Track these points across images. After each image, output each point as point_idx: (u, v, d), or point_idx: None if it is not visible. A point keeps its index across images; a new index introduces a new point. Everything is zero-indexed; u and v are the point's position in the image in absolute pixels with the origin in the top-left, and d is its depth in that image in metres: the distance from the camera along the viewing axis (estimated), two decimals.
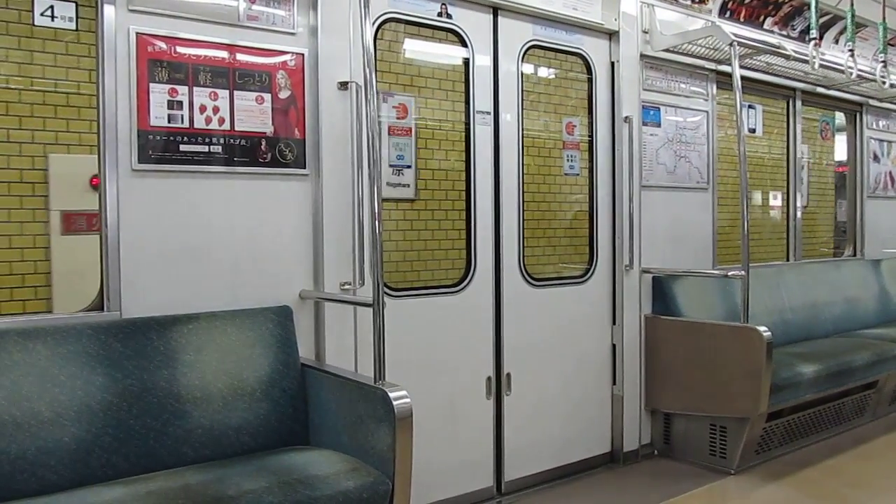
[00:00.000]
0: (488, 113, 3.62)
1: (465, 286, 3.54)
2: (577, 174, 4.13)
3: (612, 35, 4.06)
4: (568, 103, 4.15)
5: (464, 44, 3.55)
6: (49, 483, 2.21)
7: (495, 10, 3.64)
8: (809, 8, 4.55)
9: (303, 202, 2.99)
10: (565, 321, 3.92)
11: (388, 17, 3.30)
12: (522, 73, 3.77)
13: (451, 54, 3.60)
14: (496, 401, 3.64)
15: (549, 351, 3.84)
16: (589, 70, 4.05)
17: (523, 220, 3.76)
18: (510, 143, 3.70)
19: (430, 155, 3.90)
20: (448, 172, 3.85)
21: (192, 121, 2.72)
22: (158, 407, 2.44)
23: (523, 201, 3.76)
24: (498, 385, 3.64)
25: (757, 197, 6.09)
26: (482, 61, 3.61)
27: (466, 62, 3.57)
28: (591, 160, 4.09)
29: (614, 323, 4.11)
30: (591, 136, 4.09)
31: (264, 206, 2.90)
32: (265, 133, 2.88)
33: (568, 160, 4.12)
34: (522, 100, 3.77)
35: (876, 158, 6.15)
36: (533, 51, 3.83)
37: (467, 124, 3.58)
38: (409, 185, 4.16)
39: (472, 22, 3.57)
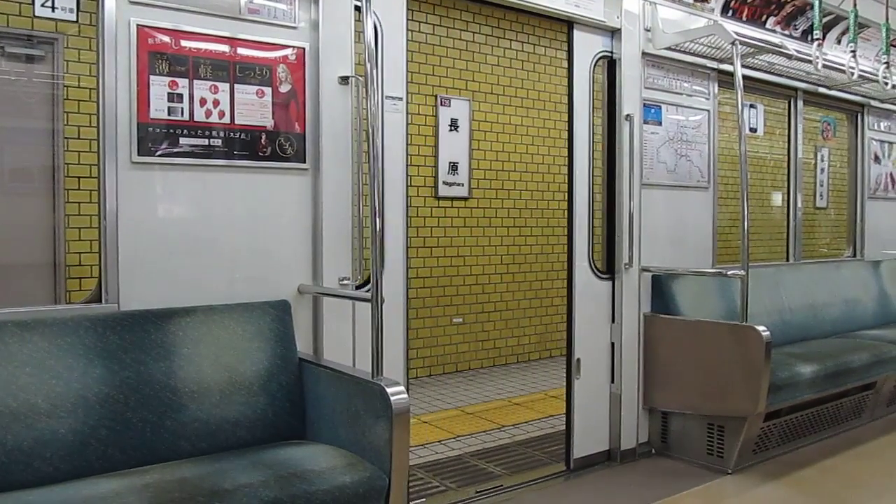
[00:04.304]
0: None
1: None
2: None
3: (614, 33, 4.05)
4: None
5: None
6: (45, 475, 2.21)
7: None
8: (812, 8, 4.54)
9: (302, 196, 2.99)
10: None
11: None
12: None
13: None
14: None
15: None
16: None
17: None
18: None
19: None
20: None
21: (192, 114, 2.71)
22: (155, 400, 2.44)
23: None
24: None
25: (757, 197, 6.08)
26: None
27: None
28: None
29: (613, 321, 4.11)
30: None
31: (264, 200, 2.89)
32: (265, 127, 2.88)
33: None
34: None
35: (877, 159, 6.15)
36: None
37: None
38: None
39: None
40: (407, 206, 3.21)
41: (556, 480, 3.82)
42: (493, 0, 3.61)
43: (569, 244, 3.96)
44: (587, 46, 3.99)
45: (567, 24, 3.91)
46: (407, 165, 3.30)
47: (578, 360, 3.93)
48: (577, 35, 3.93)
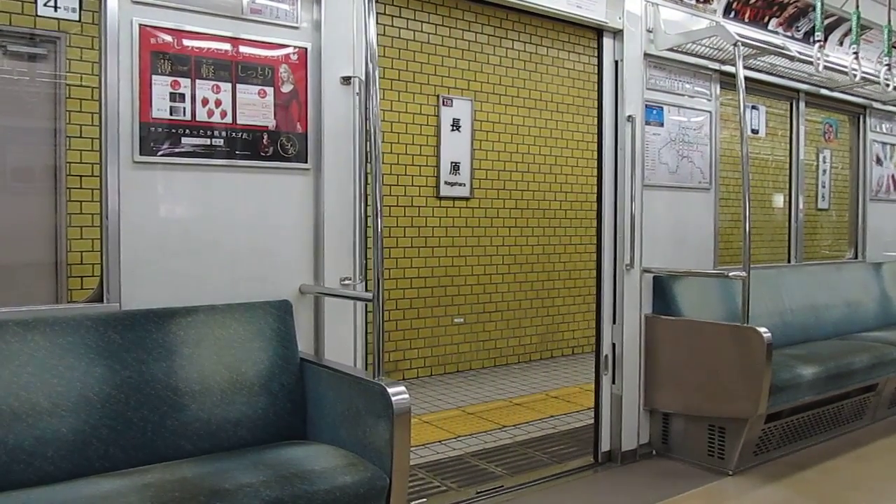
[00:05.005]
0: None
1: None
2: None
3: (616, 34, 4.05)
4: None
5: None
6: (46, 474, 2.21)
7: None
8: (814, 9, 4.54)
9: (304, 196, 2.99)
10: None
11: None
12: None
13: None
14: None
15: None
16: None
17: None
18: None
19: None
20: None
21: (194, 114, 2.71)
22: (157, 399, 2.44)
23: None
24: None
25: (758, 198, 6.07)
26: None
27: None
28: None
29: (614, 322, 4.10)
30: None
31: (265, 200, 2.89)
32: (267, 127, 2.88)
33: None
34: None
35: (879, 161, 6.14)
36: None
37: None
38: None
39: None
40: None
41: (558, 481, 3.81)
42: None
43: (598, 242, 4.09)
44: (614, 53, 4.05)
45: (597, 32, 3.99)
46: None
47: (606, 356, 4.01)
48: (606, 42, 4.01)
